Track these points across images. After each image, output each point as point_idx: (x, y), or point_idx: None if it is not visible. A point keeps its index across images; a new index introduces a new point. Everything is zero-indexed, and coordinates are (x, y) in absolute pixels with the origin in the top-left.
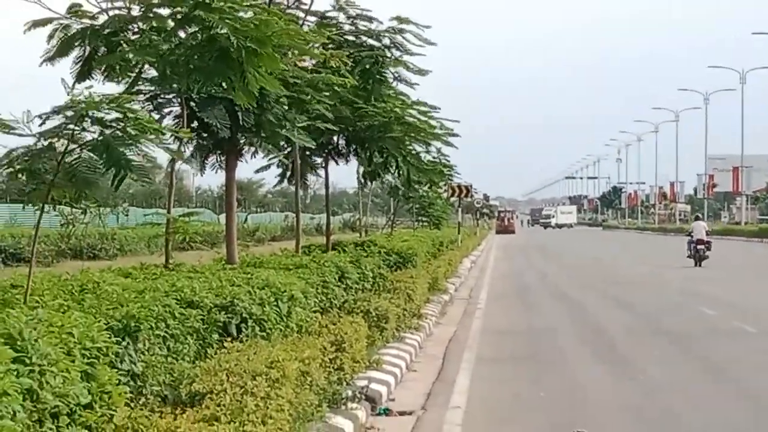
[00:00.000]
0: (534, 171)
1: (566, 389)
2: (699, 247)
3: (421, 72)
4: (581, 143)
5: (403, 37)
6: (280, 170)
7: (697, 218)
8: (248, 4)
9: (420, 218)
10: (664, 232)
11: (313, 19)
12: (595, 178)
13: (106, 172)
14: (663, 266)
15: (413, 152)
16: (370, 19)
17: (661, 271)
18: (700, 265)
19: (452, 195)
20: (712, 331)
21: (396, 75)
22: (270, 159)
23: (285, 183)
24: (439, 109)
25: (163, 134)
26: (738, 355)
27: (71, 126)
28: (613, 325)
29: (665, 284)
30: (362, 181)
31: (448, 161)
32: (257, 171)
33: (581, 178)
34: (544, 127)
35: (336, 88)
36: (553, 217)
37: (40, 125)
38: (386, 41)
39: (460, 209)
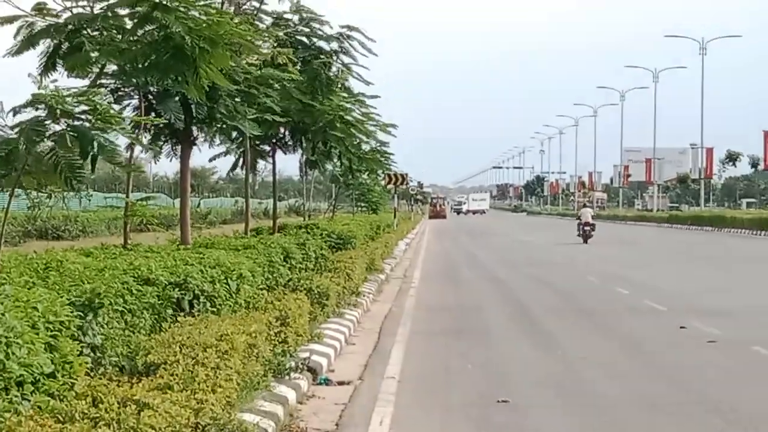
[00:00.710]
0: (465, 160)
1: (492, 362)
2: (586, 228)
3: (367, 82)
4: (509, 136)
5: (350, 44)
6: (232, 158)
7: (584, 206)
8: (202, 4)
9: (359, 204)
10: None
11: (269, 19)
12: (521, 167)
13: (85, 159)
14: (562, 243)
15: (354, 142)
16: (322, 23)
17: (563, 247)
18: (586, 242)
19: (389, 183)
20: (626, 309)
21: (343, 83)
22: (222, 146)
23: (237, 170)
24: (380, 96)
25: (126, 127)
26: (650, 332)
27: (45, 118)
28: (535, 303)
29: (583, 265)
30: (304, 169)
31: (386, 151)
32: (211, 159)
33: (507, 167)
34: (475, 121)
35: (285, 83)
36: (464, 203)
37: (14, 116)
38: (334, 45)
39: (396, 196)
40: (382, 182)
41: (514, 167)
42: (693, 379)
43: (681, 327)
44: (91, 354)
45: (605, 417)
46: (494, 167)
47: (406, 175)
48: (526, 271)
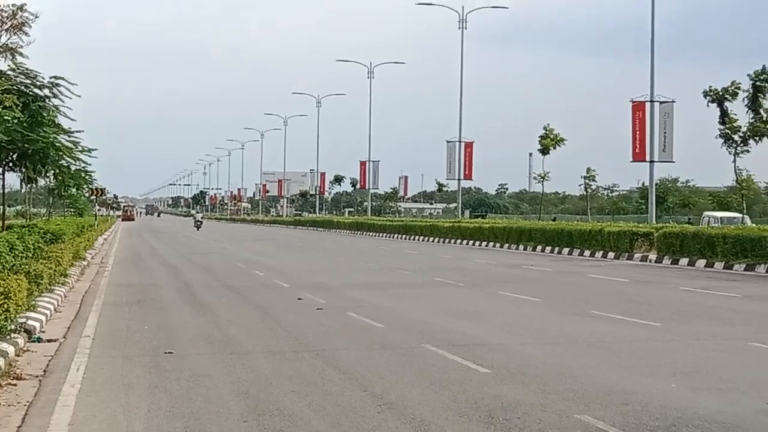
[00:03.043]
0: (150, 177)
1: (163, 323)
2: (197, 223)
3: (71, 119)
4: (182, 160)
5: (59, 90)
6: None
7: (197, 211)
8: None
9: (69, 209)
10: (233, 221)
11: None
12: (189, 184)
13: None
14: (190, 230)
15: (65, 165)
16: (35, 76)
17: (192, 231)
18: (198, 230)
19: (92, 194)
20: (261, 286)
21: (54, 119)
22: None
23: None
24: (83, 131)
25: None
26: (277, 302)
27: None
28: (197, 282)
29: (233, 257)
30: (26, 183)
31: (90, 171)
32: None
33: (180, 184)
34: (161, 147)
35: (12, 120)
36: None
37: None
38: (46, 91)
39: (97, 204)
40: (87, 194)
41: (185, 184)
42: (306, 335)
43: (299, 298)
44: None
45: (242, 360)
46: (170, 184)
47: (105, 188)
48: (191, 259)
